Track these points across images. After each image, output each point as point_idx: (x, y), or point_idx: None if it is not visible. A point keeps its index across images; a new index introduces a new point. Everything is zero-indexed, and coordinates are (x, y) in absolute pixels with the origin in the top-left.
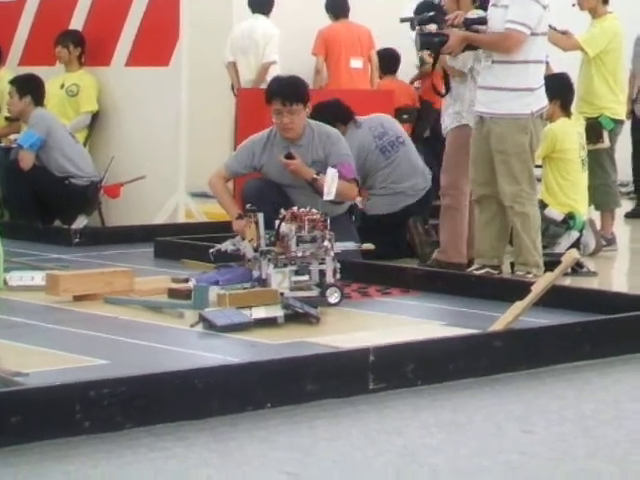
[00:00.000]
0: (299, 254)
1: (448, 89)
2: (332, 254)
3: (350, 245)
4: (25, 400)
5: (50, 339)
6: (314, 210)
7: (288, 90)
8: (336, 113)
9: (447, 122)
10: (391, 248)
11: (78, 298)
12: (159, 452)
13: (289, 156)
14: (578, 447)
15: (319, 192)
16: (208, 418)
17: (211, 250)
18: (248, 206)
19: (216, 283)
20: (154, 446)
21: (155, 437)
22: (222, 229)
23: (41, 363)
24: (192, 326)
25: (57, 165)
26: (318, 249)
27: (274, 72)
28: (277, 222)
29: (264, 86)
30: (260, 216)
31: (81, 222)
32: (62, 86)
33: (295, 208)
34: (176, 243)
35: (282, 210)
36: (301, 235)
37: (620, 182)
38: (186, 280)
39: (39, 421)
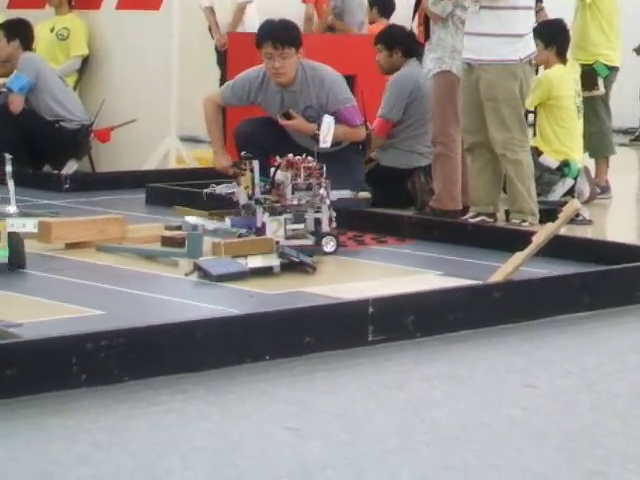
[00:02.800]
0: (294, 202)
1: (428, 35)
2: (328, 202)
3: (346, 193)
4: (21, 352)
5: (43, 288)
6: (310, 158)
7: (280, 33)
8: (402, 42)
9: (430, 66)
10: (391, 198)
11: (70, 246)
12: (157, 406)
13: (287, 115)
14: (581, 401)
15: (319, 143)
16: (206, 371)
17: (205, 190)
18: (243, 153)
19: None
20: (152, 400)
21: (153, 390)
22: (214, 175)
23: (35, 313)
24: (187, 275)
25: (47, 108)
26: (314, 197)
27: (251, 13)
28: (272, 170)
29: (241, 29)
30: (255, 163)
31: (71, 167)
32: (52, 29)
33: (291, 155)
34: (168, 189)
35: (277, 158)
36: (297, 183)
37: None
38: (179, 227)
39: (35, 374)
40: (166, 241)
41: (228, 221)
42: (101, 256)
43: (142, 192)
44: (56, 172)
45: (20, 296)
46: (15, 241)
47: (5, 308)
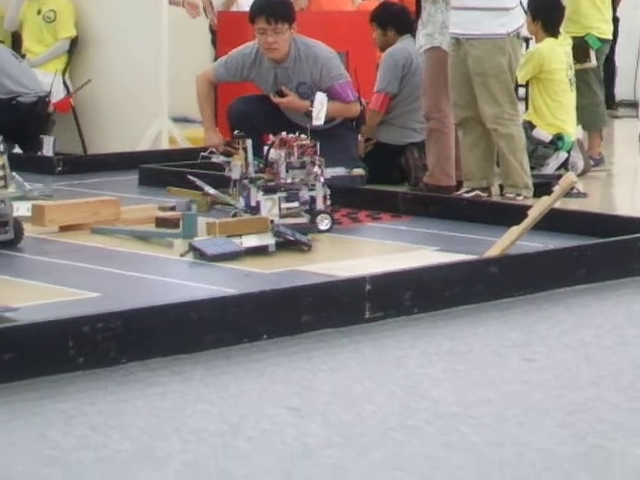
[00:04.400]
0: (288, 180)
1: (419, 12)
2: (322, 180)
3: (340, 171)
4: (17, 337)
5: (38, 271)
6: (303, 135)
7: (273, 8)
8: (395, 19)
9: (421, 42)
10: (385, 174)
11: (64, 228)
12: (156, 388)
13: (280, 92)
14: (582, 375)
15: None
16: (204, 351)
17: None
18: (236, 132)
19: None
20: (150, 382)
21: (151, 372)
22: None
23: (30, 297)
24: (182, 255)
25: (1, 87)
26: (308, 175)
27: None
28: (266, 148)
29: (235, 8)
30: (249, 142)
31: (49, 144)
32: (39, 12)
33: (284, 133)
34: (161, 170)
35: (271, 136)
36: (290, 161)
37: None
38: (173, 208)
39: (32, 357)
40: (160, 222)
41: (242, 200)
42: (95, 238)
43: (135, 173)
44: (49, 155)
45: (15, 280)
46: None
47: (0, 292)
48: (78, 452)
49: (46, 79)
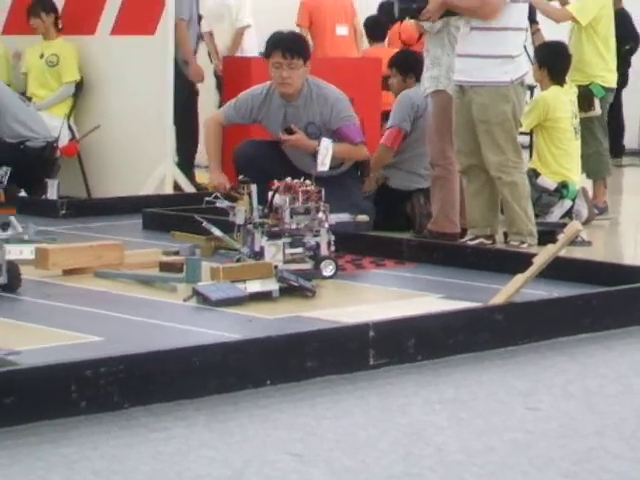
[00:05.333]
0: (293, 226)
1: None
2: (326, 226)
3: (345, 217)
4: (19, 380)
5: (40, 315)
6: (308, 181)
7: (289, 43)
8: (416, 67)
9: (426, 84)
10: (391, 220)
11: (68, 272)
12: (159, 433)
13: (289, 130)
14: (586, 424)
15: None
16: (207, 397)
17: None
18: (241, 177)
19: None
20: (153, 426)
21: (154, 417)
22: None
23: (33, 340)
24: (185, 300)
25: (10, 131)
26: (312, 221)
27: (249, 37)
28: (270, 194)
29: (240, 53)
30: (253, 187)
31: (53, 187)
32: (42, 56)
33: (289, 179)
34: (165, 214)
35: (275, 181)
36: (295, 207)
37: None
38: (177, 253)
39: (34, 402)
40: (164, 266)
41: (246, 250)
42: (99, 282)
43: (139, 217)
44: (53, 199)
45: (18, 323)
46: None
47: (3, 335)
48: None
49: (53, 122)
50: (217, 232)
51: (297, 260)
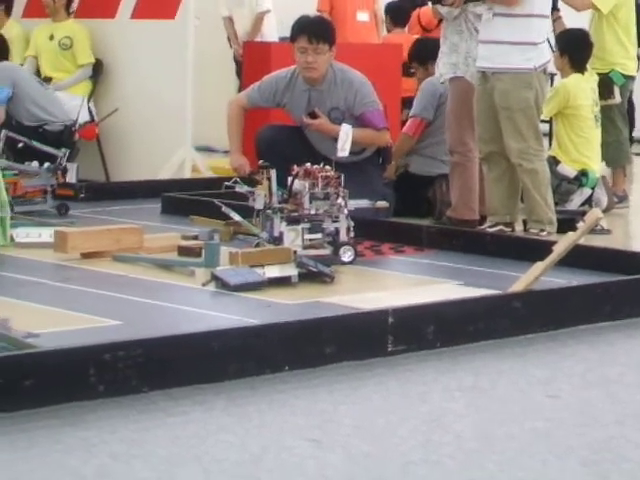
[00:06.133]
0: (312, 211)
1: None
2: (346, 212)
3: (364, 203)
4: (38, 363)
5: (59, 298)
6: (328, 167)
7: (315, 28)
8: (434, 54)
9: (442, 70)
10: (412, 206)
11: (86, 256)
12: (177, 417)
13: (312, 114)
14: (606, 413)
15: None
16: (226, 381)
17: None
18: (261, 162)
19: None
20: (172, 411)
21: (173, 401)
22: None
23: (52, 323)
24: (204, 285)
25: (28, 115)
26: (331, 206)
27: (269, 22)
28: (290, 179)
29: (260, 39)
30: (273, 172)
31: (72, 171)
32: (51, 37)
33: (308, 164)
34: (184, 199)
35: (295, 166)
36: (314, 192)
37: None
38: (196, 237)
39: (53, 385)
40: (183, 251)
41: (265, 235)
42: (117, 266)
43: (157, 202)
44: (72, 182)
45: (37, 306)
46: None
47: (22, 318)
48: None
49: (73, 102)
50: (236, 217)
51: (316, 246)
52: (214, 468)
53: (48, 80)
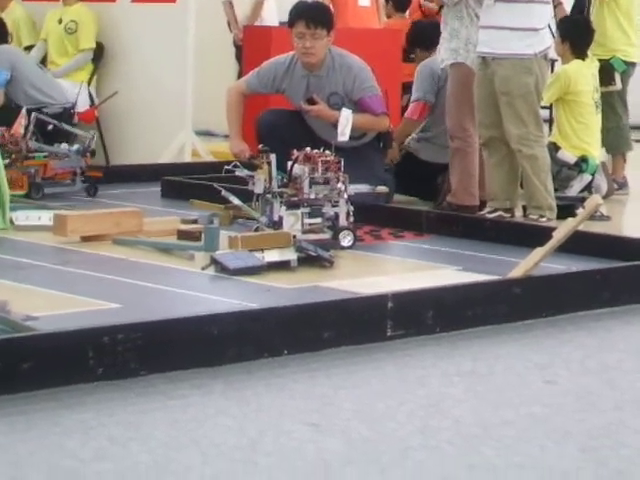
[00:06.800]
0: (312, 196)
1: None
2: (345, 196)
3: (364, 188)
4: (37, 346)
5: (59, 281)
6: (328, 151)
7: (313, 13)
8: (433, 34)
9: (443, 56)
10: (420, 191)
11: (86, 239)
12: (176, 400)
13: (311, 100)
14: (604, 399)
15: None
16: (224, 365)
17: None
18: (261, 146)
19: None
20: (171, 394)
21: (171, 384)
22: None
23: (51, 306)
24: (203, 269)
25: (26, 97)
26: (331, 191)
27: (269, 6)
28: (289, 163)
29: (259, 23)
30: (273, 157)
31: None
32: (60, 21)
33: (308, 149)
34: (184, 183)
35: (295, 151)
36: (314, 177)
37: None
38: (195, 221)
39: (51, 367)
40: (182, 234)
41: (264, 219)
42: (117, 249)
43: (157, 185)
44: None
45: (36, 289)
46: None
47: (21, 301)
48: (96, 463)
49: (73, 89)
50: (236, 201)
51: (315, 230)
52: (212, 452)
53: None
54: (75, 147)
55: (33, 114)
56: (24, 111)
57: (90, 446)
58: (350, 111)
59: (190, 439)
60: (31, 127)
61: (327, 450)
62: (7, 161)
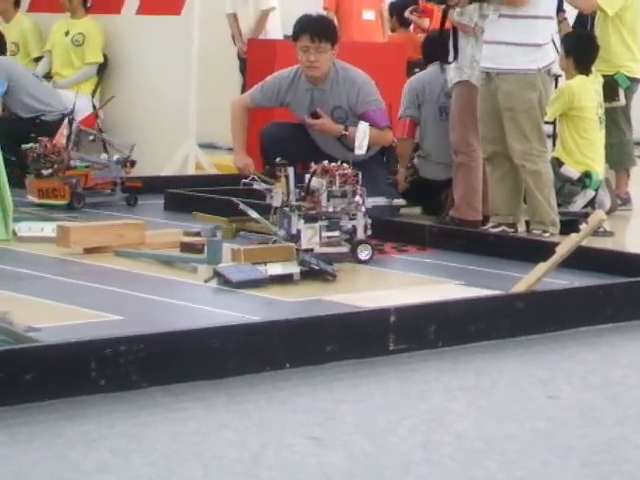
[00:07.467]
0: (330, 209)
1: (457, 52)
2: (363, 209)
3: (381, 200)
4: (39, 357)
5: (61, 292)
6: (345, 165)
7: (317, 27)
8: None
9: (451, 75)
10: (427, 206)
11: (89, 250)
12: (178, 413)
13: (314, 114)
14: (607, 414)
15: (346, 146)
16: (226, 378)
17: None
18: (278, 159)
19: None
20: (172, 407)
21: (173, 397)
22: (233, 181)
23: (53, 318)
24: (206, 281)
25: (24, 106)
26: (349, 204)
27: (273, 20)
28: (307, 176)
29: (264, 36)
30: (290, 170)
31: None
32: (67, 33)
33: (326, 162)
34: (187, 195)
35: (313, 164)
36: (332, 190)
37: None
38: (198, 233)
39: (53, 379)
40: (185, 247)
41: (282, 232)
42: (119, 261)
43: (161, 198)
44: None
45: (38, 300)
46: None
47: (23, 312)
48: (98, 475)
49: (80, 101)
50: (254, 214)
51: (333, 243)
52: (214, 465)
53: (49, 78)
54: (115, 157)
55: (75, 124)
56: (66, 121)
57: (92, 458)
58: (367, 124)
59: (192, 452)
60: (72, 137)
61: (329, 464)
62: (49, 171)
